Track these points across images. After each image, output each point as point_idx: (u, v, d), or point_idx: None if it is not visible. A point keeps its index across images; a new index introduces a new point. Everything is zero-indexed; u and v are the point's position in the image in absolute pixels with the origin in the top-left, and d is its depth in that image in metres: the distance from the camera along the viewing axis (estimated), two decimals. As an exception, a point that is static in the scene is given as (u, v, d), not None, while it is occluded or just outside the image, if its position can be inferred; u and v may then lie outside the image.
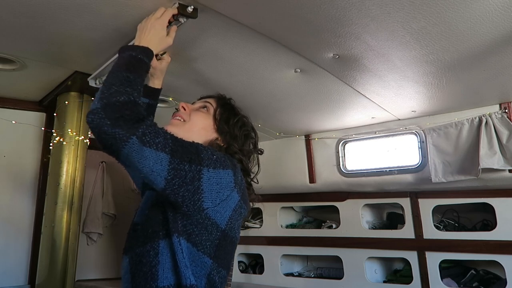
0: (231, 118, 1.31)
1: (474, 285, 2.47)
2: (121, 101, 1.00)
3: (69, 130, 2.27)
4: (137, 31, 1.28)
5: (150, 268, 1.05)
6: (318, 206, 3.26)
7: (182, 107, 1.31)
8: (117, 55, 1.66)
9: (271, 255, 3.24)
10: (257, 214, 3.35)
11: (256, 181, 1.33)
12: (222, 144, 1.27)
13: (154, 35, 1.25)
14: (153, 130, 1.00)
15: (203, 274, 1.06)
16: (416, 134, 2.49)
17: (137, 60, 1.14)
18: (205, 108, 1.33)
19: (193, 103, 1.37)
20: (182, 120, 1.27)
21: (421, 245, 2.59)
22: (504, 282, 2.31)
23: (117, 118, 0.97)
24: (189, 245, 1.05)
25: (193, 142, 1.11)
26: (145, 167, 0.98)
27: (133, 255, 1.10)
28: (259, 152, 1.38)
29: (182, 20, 1.37)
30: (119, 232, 3.80)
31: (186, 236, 1.05)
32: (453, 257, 2.55)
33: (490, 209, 2.42)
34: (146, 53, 1.17)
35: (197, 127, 1.26)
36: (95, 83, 1.94)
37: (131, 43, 1.52)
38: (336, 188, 2.88)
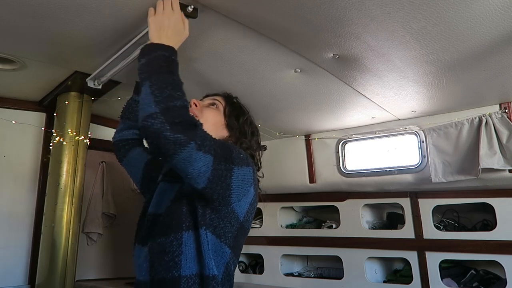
0: (240, 115, 1.36)
1: (474, 285, 2.47)
2: (178, 106, 1.03)
3: (69, 130, 2.27)
4: (150, 25, 1.23)
5: (173, 257, 1.09)
6: (318, 206, 3.26)
7: (194, 103, 1.32)
8: (116, 56, 1.66)
9: (271, 255, 3.24)
10: (257, 214, 3.35)
11: (261, 175, 1.37)
12: (233, 141, 1.30)
13: (174, 32, 1.22)
14: (204, 133, 1.06)
15: (222, 263, 1.13)
16: (416, 134, 2.49)
17: (172, 61, 1.14)
18: (214, 106, 1.36)
19: (201, 100, 1.39)
20: (195, 116, 1.28)
21: (421, 245, 2.59)
22: (504, 282, 2.31)
23: (176, 123, 0.99)
24: (214, 237, 1.11)
25: (224, 141, 1.18)
26: (194, 169, 1.02)
27: (154, 245, 1.13)
28: (263, 148, 1.42)
29: None
30: (119, 232, 3.80)
31: (212, 229, 1.11)
32: (453, 257, 2.55)
33: (490, 209, 2.42)
34: (175, 54, 1.17)
35: (208, 123, 1.26)
36: (94, 84, 1.94)
37: (142, 35, 1.51)
38: (336, 188, 2.88)
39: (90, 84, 1.93)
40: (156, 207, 1.22)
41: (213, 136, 1.20)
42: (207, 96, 1.43)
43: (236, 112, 1.37)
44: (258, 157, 1.37)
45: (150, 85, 1.05)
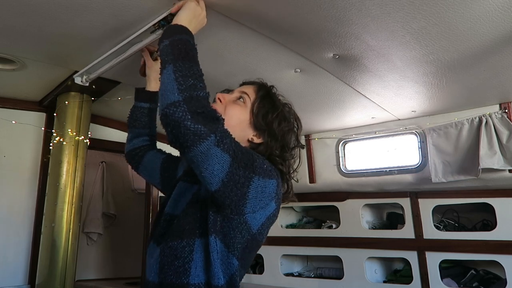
0: (269, 113, 1.19)
1: (474, 285, 2.47)
2: (202, 96, 0.98)
3: (69, 130, 2.27)
4: (190, 10, 1.20)
5: (184, 263, 1.05)
6: (318, 206, 3.26)
7: (218, 98, 1.21)
8: (108, 54, 1.63)
9: (271, 255, 3.24)
10: (257, 214, 3.35)
11: (296, 179, 1.29)
12: (259, 141, 1.19)
13: (199, 26, 1.22)
14: (225, 130, 1.00)
15: (228, 274, 1.07)
16: (416, 134, 2.49)
17: (195, 50, 1.10)
18: (241, 100, 1.22)
19: (231, 92, 1.26)
20: None
21: (421, 245, 2.59)
22: (504, 282, 2.31)
23: (198, 113, 0.94)
24: (222, 246, 1.06)
25: (248, 148, 1.11)
26: (209, 166, 0.97)
27: (166, 248, 1.09)
28: (301, 146, 1.30)
29: None
30: (119, 232, 3.81)
31: (222, 237, 1.06)
32: (453, 257, 2.55)
33: (490, 209, 2.42)
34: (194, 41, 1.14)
35: (232, 123, 1.13)
36: (81, 81, 1.91)
37: (138, 34, 1.48)
38: (336, 188, 2.88)
39: (77, 80, 1.88)
40: (173, 208, 1.18)
41: (236, 137, 1.07)
42: (242, 84, 1.30)
43: (265, 109, 1.19)
44: (288, 167, 1.23)
45: (174, 70, 1.00)
